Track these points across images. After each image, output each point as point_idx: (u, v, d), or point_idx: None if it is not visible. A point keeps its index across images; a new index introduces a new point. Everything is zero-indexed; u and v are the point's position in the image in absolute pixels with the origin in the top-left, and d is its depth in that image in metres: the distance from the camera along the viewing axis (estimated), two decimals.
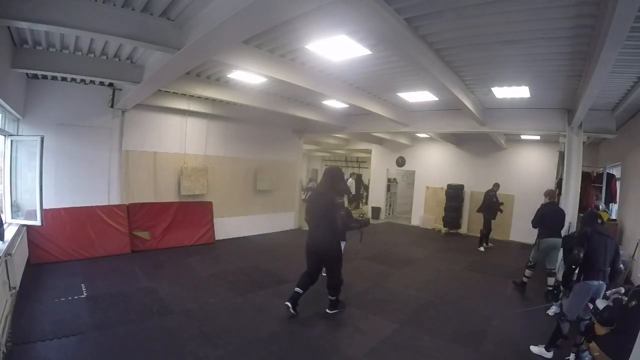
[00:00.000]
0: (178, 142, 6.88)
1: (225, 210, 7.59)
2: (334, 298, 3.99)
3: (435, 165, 10.85)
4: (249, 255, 6.42)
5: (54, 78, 5.14)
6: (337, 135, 10.35)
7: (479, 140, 9.50)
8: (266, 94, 6.36)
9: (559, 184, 6.07)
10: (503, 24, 2.88)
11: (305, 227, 6.85)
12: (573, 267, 3.13)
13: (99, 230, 5.64)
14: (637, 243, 3.94)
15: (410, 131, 7.75)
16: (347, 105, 6.35)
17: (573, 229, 5.17)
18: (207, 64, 4.67)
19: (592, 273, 3.08)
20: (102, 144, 5.79)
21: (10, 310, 3.28)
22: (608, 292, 3.12)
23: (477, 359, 3.24)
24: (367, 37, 3.37)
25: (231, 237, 7.61)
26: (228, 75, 5.19)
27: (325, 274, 4.06)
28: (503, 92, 4.95)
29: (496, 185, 7.93)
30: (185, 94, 6.08)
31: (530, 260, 5.06)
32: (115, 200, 5.93)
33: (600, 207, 5.73)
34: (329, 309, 4.00)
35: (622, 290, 3.05)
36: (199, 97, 6.17)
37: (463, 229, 9.92)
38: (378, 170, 12.26)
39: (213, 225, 7.19)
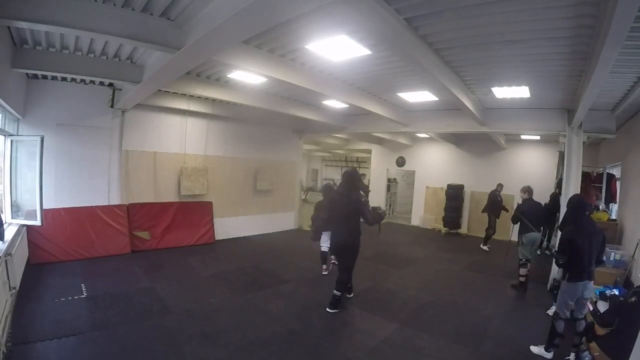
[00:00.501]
0: (178, 142, 6.88)
1: (225, 210, 7.59)
2: (338, 294, 4.05)
3: (435, 165, 10.85)
4: (249, 255, 6.43)
5: (54, 78, 5.14)
6: (337, 135, 10.35)
7: (479, 140, 9.50)
8: (266, 94, 6.35)
9: (559, 184, 6.07)
10: (503, 24, 2.88)
11: (305, 228, 6.91)
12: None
13: (99, 230, 5.65)
14: (637, 243, 3.94)
15: (410, 131, 7.75)
16: (347, 105, 6.35)
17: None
18: (207, 64, 4.67)
19: (576, 274, 3.05)
20: (102, 144, 5.79)
21: (10, 310, 3.28)
22: (608, 292, 3.13)
23: (477, 359, 3.24)
24: (367, 37, 3.37)
25: (231, 237, 7.61)
26: (228, 75, 5.19)
27: (335, 261, 4.25)
28: (503, 92, 4.95)
29: (500, 186, 8.02)
30: (185, 94, 6.08)
31: (521, 258, 5.11)
32: (115, 200, 5.93)
33: (600, 207, 5.74)
34: (329, 308, 4.02)
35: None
36: (199, 97, 6.17)
37: (463, 229, 9.93)
38: (378, 170, 12.26)
39: (213, 225, 7.19)
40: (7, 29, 3.43)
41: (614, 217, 5.64)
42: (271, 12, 2.23)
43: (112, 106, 5.74)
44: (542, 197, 7.67)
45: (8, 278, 3.41)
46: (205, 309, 3.95)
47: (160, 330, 3.39)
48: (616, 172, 6.25)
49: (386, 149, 12.03)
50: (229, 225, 7.63)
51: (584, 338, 2.98)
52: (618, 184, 6.06)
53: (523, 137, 8.49)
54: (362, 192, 4.27)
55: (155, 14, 3.02)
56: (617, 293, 3.48)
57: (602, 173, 6.26)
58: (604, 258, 3.42)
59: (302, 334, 3.49)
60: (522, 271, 5.14)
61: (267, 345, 3.23)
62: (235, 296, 4.39)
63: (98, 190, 5.78)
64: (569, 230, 3.10)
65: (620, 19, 1.94)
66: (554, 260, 3.15)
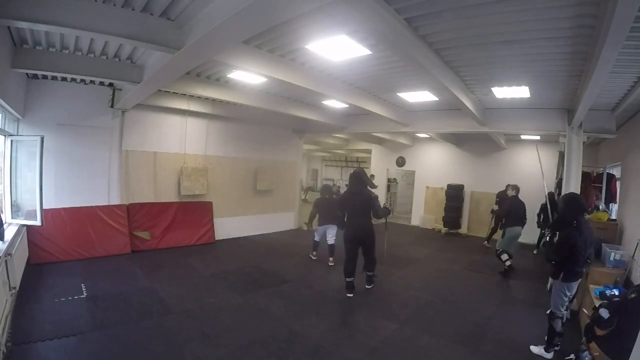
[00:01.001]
0: (178, 142, 6.88)
1: (225, 210, 7.59)
2: (371, 273, 4.86)
3: (435, 165, 10.85)
4: (249, 255, 6.43)
5: (54, 78, 5.14)
6: (337, 135, 10.35)
7: (479, 140, 9.50)
8: (266, 94, 6.35)
9: (559, 184, 6.07)
10: (503, 24, 2.88)
11: (306, 228, 6.96)
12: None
13: (99, 230, 5.65)
14: (637, 243, 3.93)
15: (410, 131, 7.74)
16: (347, 105, 6.35)
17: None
18: (207, 64, 4.67)
19: (573, 274, 3.11)
20: (102, 144, 5.79)
21: (10, 310, 3.28)
22: (608, 292, 3.13)
23: (477, 359, 3.24)
24: (367, 37, 3.37)
25: (231, 237, 7.61)
26: (228, 75, 5.19)
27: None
28: (503, 92, 4.95)
29: (508, 187, 8.01)
30: (185, 94, 6.08)
31: (498, 247, 5.75)
32: (115, 200, 5.93)
33: (600, 207, 5.73)
34: (367, 285, 4.85)
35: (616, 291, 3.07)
36: (199, 97, 6.17)
37: (463, 229, 9.92)
38: (378, 170, 12.25)
39: (213, 225, 7.19)
40: (7, 29, 3.43)
41: (614, 217, 5.63)
42: (271, 12, 2.23)
43: (112, 106, 5.74)
44: (541, 197, 7.71)
45: (8, 278, 3.41)
46: (205, 309, 3.95)
47: (160, 330, 3.40)
48: (616, 172, 6.24)
49: (386, 149, 12.03)
50: (229, 225, 7.64)
51: (584, 338, 2.97)
52: (618, 184, 6.05)
53: (523, 137, 8.48)
54: (370, 189, 4.83)
55: (155, 14, 3.02)
56: (617, 293, 3.48)
57: (602, 173, 6.25)
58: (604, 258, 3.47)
59: (302, 334, 3.49)
60: (504, 257, 5.68)
61: (267, 345, 3.23)
62: (235, 296, 4.40)
63: (98, 190, 5.78)
64: (572, 234, 3.06)
65: (620, 19, 1.94)
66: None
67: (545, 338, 3.31)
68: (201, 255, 6.19)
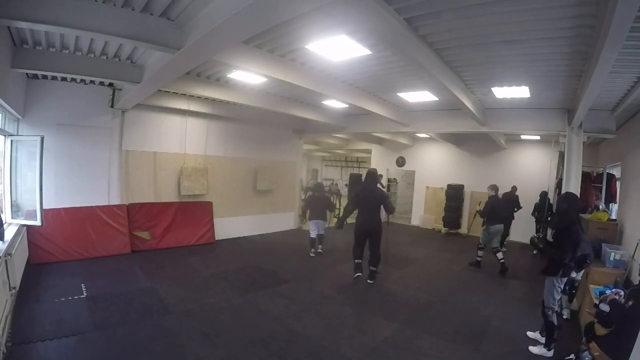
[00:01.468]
0: (178, 142, 6.88)
1: (225, 210, 7.59)
2: (375, 269, 5.16)
3: (435, 165, 10.85)
4: (249, 255, 6.43)
5: (54, 78, 5.14)
6: (337, 135, 10.35)
7: (479, 140, 9.50)
8: (266, 94, 6.35)
9: (559, 184, 6.07)
10: (503, 24, 2.88)
11: (306, 228, 7.00)
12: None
13: (99, 230, 5.65)
14: (637, 243, 3.93)
15: (410, 131, 7.74)
16: (347, 105, 6.35)
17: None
18: (207, 64, 4.67)
19: (568, 270, 3.24)
20: (102, 144, 5.79)
21: (10, 310, 3.28)
22: (608, 292, 3.12)
23: (477, 359, 3.24)
24: (367, 37, 3.37)
25: (231, 237, 7.61)
26: (228, 75, 5.19)
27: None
28: (503, 92, 4.95)
29: (514, 188, 8.11)
30: (185, 94, 6.08)
31: (481, 242, 6.26)
32: (115, 200, 5.93)
33: (600, 207, 5.73)
34: (370, 280, 5.10)
35: (622, 292, 3.05)
36: (199, 97, 6.17)
37: (463, 229, 9.92)
38: (378, 170, 12.22)
39: (213, 225, 7.19)
40: (7, 29, 3.43)
41: (614, 217, 5.63)
42: (271, 12, 2.23)
43: (112, 106, 5.74)
44: (536, 197, 7.72)
45: (8, 278, 3.40)
46: (205, 309, 3.95)
47: (160, 330, 3.39)
48: (616, 172, 6.24)
49: (386, 149, 12.02)
50: (229, 225, 7.63)
51: (584, 338, 2.98)
52: (618, 184, 6.05)
53: (523, 137, 8.48)
54: (381, 187, 5.41)
55: (155, 14, 3.02)
56: (622, 293, 3.48)
57: (602, 173, 6.25)
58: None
59: (302, 334, 3.49)
60: (480, 253, 6.30)
61: (267, 345, 3.23)
62: (235, 296, 4.39)
63: (98, 190, 5.78)
64: (577, 232, 3.18)
65: (620, 19, 1.94)
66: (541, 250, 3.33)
67: (543, 336, 3.33)
68: (201, 255, 6.19)
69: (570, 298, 4.20)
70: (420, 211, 10.99)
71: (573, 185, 5.20)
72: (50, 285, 4.28)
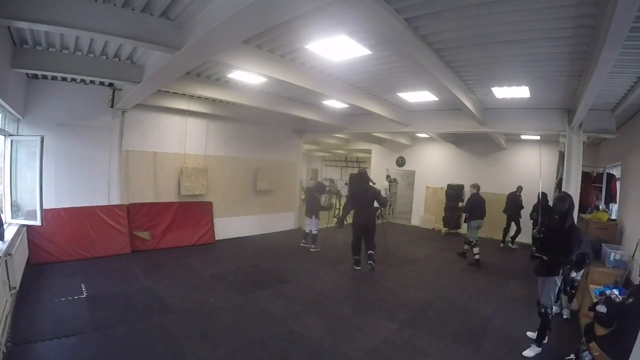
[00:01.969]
0: (178, 142, 6.88)
1: (225, 210, 7.59)
2: (372, 252, 5.67)
3: (435, 165, 10.84)
4: (249, 255, 6.43)
5: (54, 78, 5.14)
6: (337, 135, 10.34)
7: (479, 140, 9.50)
8: (266, 94, 6.35)
9: (559, 184, 6.06)
10: (503, 24, 2.88)
11: (305, 227, 7.06)
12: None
13: (99, 230, 5.65)
14: (637, 243, 3.93)
15: (410, 131, 7.74)
16: (347, 105, 6.35)
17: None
18: (207, 64, 4.67)
19: (565, 268, 3.33)
20: (102, 144, 5.79)
21: (10, 310, 3.28)
22: (608, 292, 3.13)
23: (477, 359, 3.24)
24: (367, 37, 3.37)
25: (231, 237, 7.61)
26: (228, 75, 5.19)
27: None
28: (503, 92, 4.95)
29: (519, 188, 8.30)
30: (185, 94, 6.08)
31: (471, 240, 6.58)
32: (115, 200, 5.93)
33: (600, 207, 5.73)
34: (369, 261, 5.59)
35: (616, 292, 3.08)
36: (199, 97, 6.17)
37: (463, 229, 9.90)
38: (378, 170, 12.25)
39: (213, 225, 7.19)
40: (7, 29, 3.43)
41: (614, 217, 5.63)
42: (271, 12, 2.23)
43: (112, 106, 5.74)
44: (534, 197, 7.71)
45: (8, 278, 3.40)
46: (205, 309, 3.95)
47: (160, 330, 3.39)
48: (616, 172, 6.24)
49: (386, 149, 12.02)
50: (229, 225, 7.63)
51: (584, 338, 2.98)
52: (618, 184, 6.05)
53: (523, 137, 8.48)
54: (372, 184, 5.86)
55: (155, 14, 3.02)
56: (617, 293, 3.48)
57: (602, 173, 6.25)
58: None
59: (302, 334, 3.49)
60: (466, 247, 6.66)
61: (267, 345, 3.23)
62: (235, 296, 4.39)
63: (98, 190, 5.78)
64: (579, 232, 3.26)
65: (620, 19, 1.94)
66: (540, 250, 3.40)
67: (536, 333, 3.37)
68: (201, 255, 6.19)
69: (570, 298, 4.20)
70: (420, 211, 10.98)
71: (573, 185, 5.19)
72: (50, 285, 4.28)
